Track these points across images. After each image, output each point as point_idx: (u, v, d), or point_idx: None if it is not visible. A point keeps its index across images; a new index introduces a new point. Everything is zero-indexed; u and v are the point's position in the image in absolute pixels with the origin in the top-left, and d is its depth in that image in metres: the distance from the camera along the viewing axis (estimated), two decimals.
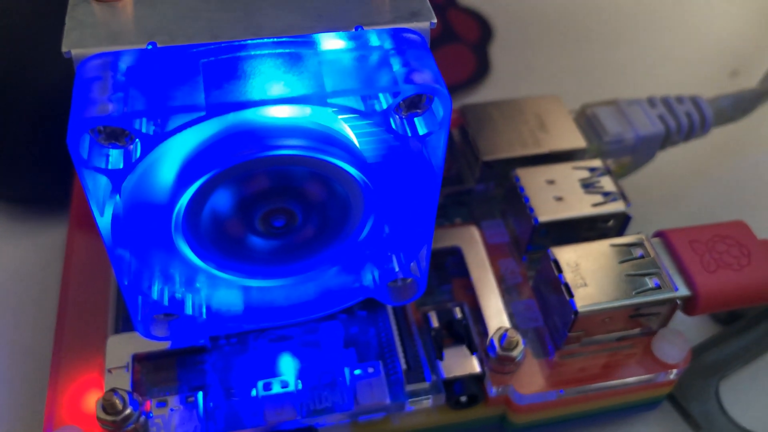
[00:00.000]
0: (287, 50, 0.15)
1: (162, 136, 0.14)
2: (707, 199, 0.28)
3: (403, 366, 0.20)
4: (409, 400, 0.19)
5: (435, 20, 0.15)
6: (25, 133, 0.24)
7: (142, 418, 0.18)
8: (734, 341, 0.23)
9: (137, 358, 0.20)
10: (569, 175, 0.22)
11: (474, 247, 0.22)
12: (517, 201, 0.22)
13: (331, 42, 0.15)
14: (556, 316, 0.20)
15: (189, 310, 0.18)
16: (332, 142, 0.16)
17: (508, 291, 0.22)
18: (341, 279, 0.19)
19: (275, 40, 0.15)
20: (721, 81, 0.32)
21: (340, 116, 0.16)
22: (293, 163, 0.16)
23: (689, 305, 0.20)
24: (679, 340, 0.20)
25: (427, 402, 0.19)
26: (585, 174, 0.22)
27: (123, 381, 0.19)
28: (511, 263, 0.22)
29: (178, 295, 0.18)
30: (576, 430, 0.22)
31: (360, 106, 0.15)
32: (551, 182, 0.22)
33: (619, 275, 0.20)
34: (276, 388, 0.19)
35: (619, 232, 0.22)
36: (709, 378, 0.22)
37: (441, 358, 0.20)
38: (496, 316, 0.21)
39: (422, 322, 0.21)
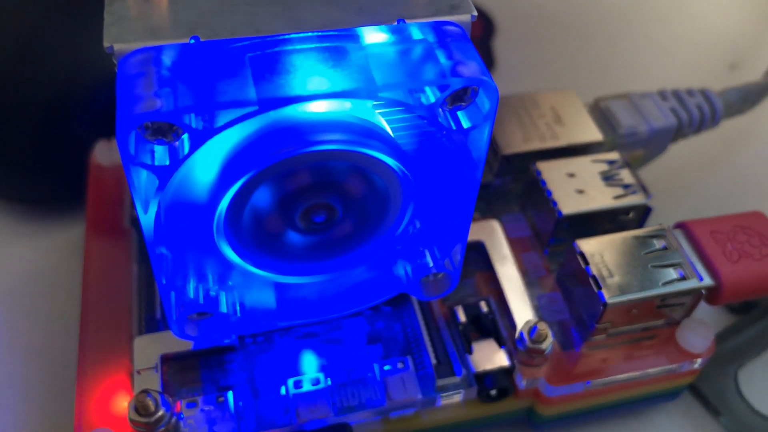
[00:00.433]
0: (332, 44, 0.15)
1: (211, 131, 0.14)
2: (718, 190, 0.28)
3: (433, 361, 0.20)
4: (441, 394, 0.19)
5: (475, 12, 0.15)
6: (34, 135, 0.23)
7: (174, 419, 0.18)
8: (752, 329, 0.23)
9: (165, 359, 0.19)
10: (589, 168, 0.22)
11: (497, 241, 0.22)
12: (538, 195, 0.22)
13: (374, 35, 0.15)
14: (582, 308, 0.20)
15: (224, 308, 0.17)
16: (372, 135, 0.15)
17: (531, 284, 0.22)
18: (374, 275, 0.19)
19: (319, 33, 0.15)
20: (720, 74, 0.33)
21: (378, 110, 0.16)
22: (335, 157, 0.15)
23: (713, 295, 0.20)
24: (703, 329, 0.20)
25: (458, 396, 0.19)
26: (604, 167, 0.22)
27: (152, 382, 0.19)
28: (533, 257, 0.22)
29: (212, 293, 0.17)
30: (598, 420, 0.22)
31: (407, 99, 0.15)
32: (572, 175, 0.22)
33: (643, 266, 0.20)
34: (307, 386, 0.19)
35: (639, 224, 0.22)
36: (728, 366, 0.23)
37: (470, 352, 0.20)
38: (522, 309, 0.21)
39: (449, 316, 0.21)
